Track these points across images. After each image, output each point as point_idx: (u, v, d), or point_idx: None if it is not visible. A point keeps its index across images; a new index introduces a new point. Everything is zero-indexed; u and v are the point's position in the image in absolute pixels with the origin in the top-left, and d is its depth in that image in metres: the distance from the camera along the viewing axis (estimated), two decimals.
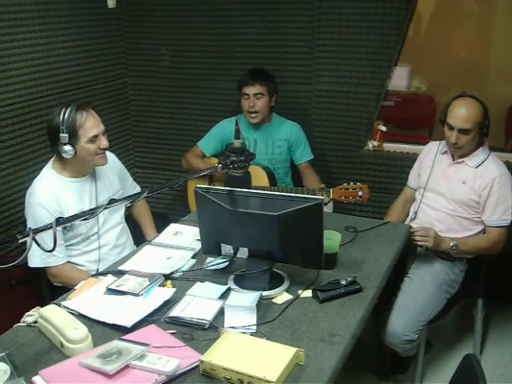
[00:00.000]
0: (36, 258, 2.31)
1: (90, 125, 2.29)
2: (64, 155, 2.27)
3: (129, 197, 1.71)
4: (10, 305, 2.47)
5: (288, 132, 3.29)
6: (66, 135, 2.23)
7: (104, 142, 2.35)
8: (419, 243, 2.49)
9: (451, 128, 2.52)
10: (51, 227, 1.38)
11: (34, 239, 1.34)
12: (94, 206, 2.43)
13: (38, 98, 3.11)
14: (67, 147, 2.24)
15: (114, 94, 3.82)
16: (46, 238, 1.90)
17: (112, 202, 1.57)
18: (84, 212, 1.50)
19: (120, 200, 1.64)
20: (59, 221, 1.40)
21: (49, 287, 2.46)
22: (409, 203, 2.90)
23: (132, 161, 4.12)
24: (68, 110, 2.25)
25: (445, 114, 2.57)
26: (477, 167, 2.59)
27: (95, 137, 2.31)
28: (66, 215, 2.22)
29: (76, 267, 2.42)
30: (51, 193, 2.31)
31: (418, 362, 2.65)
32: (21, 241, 1.32)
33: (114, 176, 2.59)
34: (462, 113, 2.49)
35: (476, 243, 2.62)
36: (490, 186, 2.54)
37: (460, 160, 2.64)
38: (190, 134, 3.77)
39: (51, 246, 1.42)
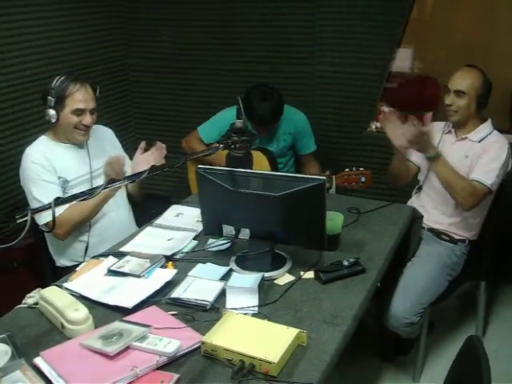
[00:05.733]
0: (45, 218, 2.21)
1: (79, 97, 2.30)
2: (47, 118, 2.30)
3: (129, 177, 1.69)
4: (12, 286, 2.47)
5: (293, 126, 3.17)
6: (53, 99, 2.26)
7: (87, 119, 2.34)
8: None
9: (449, 91, 2.56)
10: (50, 207, 1.36)
11: (32, 214, 1.32)
12: (87, 166, 2.45)
13: (38, 80, 3.08)
14: (51, 111, 2.28)
15: (114, 76, 3.80)
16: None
17: (111, 182, 1.55)
18: (83, 192, 1.48)
19: (120, 181, 1.61)
20: (58, 201, 1.38)
21: (50, 269, 2.46)
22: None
23: (133, 143, 4.08)
24: (64, 77, 2.29)
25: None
26: (480, 141, 2.58)
27: (80, 110, 2.31)
28: (58, 171, 2.31)
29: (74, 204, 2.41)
30: (41, 152, 2.34)
31: (421, 344, 2.65)
32: (19, 221, 1.30)
33: (111, 149, 2.58)
34: (459, 76, 2.56)
35: (455, 172, 2.49)
36: (485, 149, 2.53)
37: (464, 136, 2.63)
38: (191, 116, 3.74)
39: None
